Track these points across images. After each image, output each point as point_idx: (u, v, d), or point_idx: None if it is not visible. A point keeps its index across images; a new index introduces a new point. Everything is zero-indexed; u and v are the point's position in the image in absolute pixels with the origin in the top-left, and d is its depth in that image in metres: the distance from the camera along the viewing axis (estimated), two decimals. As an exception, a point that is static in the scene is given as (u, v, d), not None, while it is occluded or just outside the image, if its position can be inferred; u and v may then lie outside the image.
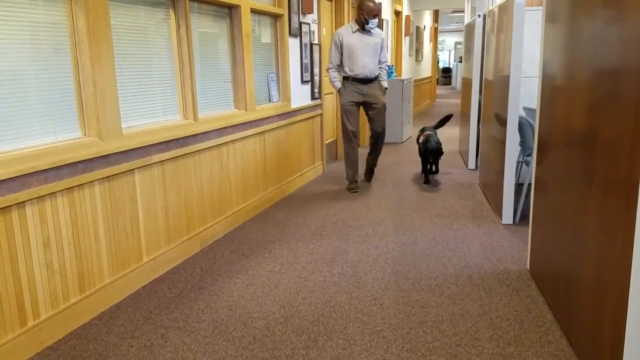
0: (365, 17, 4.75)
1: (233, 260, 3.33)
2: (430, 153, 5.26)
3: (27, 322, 2.27)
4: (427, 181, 5.39)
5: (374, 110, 4.99)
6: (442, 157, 5.81)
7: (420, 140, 5.57)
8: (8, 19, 2.21)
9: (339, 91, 4.97)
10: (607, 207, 1.86)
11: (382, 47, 4.97)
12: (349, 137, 4.96)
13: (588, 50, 2.09)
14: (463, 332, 2.40)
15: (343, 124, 4.97)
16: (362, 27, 4.81)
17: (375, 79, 4.98)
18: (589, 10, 2.09)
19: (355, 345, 2.32)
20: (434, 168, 5.68)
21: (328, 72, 4.96)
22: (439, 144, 5.32)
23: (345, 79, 4.93)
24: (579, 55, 2.20)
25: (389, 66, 5.18)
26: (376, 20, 4.79)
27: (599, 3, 1.99)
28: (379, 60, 4.98)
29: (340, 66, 4.93)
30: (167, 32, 3.24)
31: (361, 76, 4.86)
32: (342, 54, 4.87)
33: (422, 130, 5.73)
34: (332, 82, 4.94)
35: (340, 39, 4.84)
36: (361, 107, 5.08)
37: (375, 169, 5.68)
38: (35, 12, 2.33)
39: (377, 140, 5.16)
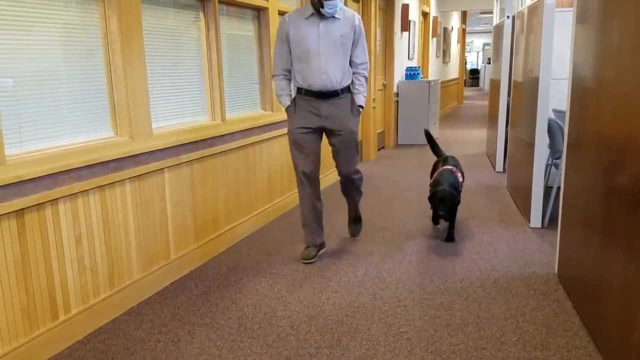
0: None
1: (258, 259, 3.36)
2: (440, 202, 3.46)
3: (58, 316, 2.33)
4: (435, 221, 4.01)
5: (336, 139, 3.27)
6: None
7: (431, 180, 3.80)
8: (43, 20, 2.28)
9: (286, 110, 3.25)
10: (637, 212, 1.83)
11: (355, 40, 3.16)
12: (301, 181, 3.30)
13: (620, 52, 2.05)
14: (489, 336, 2.38)
15: (293, 161, 3.32)
16: (318, 11, 3.05)
17: (344, 91, 3.18)
18: (621, 11, 2.06)
19: (379, 346, 2.32)
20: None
21: (272, 80, 3.33)
22: (454, 187, 3.53)
23: (299, 92, 3.20)
24: (610, 57, 2.17)
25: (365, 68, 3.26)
26: (335, 2, 3.00)
27: (632, 3, 1.95)
28: (351, 62, 3.20)
29: (290, 71, 3.23)
30: (196, 34, 3.29)
31: (318, 87, 3.11)
32: (291, 52, 3.17)
33: (440, 162, 3.91)
34: (278, 97, 3.23)
35: (287, 29, 3.12)
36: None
37: (361, 222, 3.82)
38: (69, 14, 2.40)
39: (347, 186, 3.48)
